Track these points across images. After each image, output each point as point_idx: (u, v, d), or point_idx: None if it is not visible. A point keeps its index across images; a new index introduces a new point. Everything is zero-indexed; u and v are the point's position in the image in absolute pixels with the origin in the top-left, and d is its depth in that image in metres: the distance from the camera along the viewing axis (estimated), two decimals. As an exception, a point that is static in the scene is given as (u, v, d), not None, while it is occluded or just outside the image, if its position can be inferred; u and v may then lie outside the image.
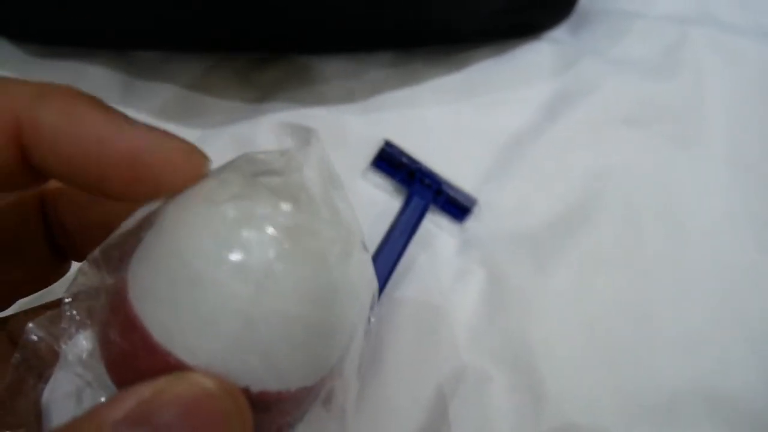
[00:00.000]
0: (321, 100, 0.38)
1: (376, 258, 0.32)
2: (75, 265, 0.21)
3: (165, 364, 0.14)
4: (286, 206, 0.15)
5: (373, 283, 0.17)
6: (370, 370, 0.31)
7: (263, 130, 0.36)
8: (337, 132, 0.37)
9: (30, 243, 0.20)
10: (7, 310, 0.20)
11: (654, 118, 0.39)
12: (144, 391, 0.13)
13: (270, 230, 0.14)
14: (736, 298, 0.34)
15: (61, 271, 0.21)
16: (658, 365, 0.32)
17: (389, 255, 0.32)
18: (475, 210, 0.34)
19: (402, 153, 0.34)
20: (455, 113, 0.38)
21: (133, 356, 0.14)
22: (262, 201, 0.15)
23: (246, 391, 0.14)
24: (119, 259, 0.16)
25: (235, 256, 0.14)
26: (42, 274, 0.21)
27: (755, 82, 0.40)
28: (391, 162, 0.34)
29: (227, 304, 0.14)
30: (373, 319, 0.17)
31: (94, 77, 0.38)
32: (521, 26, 0.40)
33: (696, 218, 0.36)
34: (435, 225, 0.35)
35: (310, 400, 0.16)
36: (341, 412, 0.17)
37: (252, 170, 0.16)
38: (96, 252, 0.16)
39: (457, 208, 0.34)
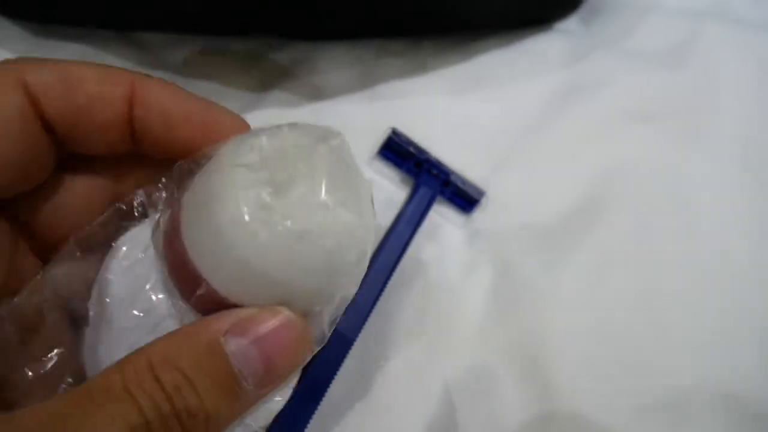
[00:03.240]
0: (328, 88, 0.37)
1: (382, 248, 0.31)
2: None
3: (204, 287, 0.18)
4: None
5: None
6: (374, 364, 0.30)
7: (268, 118, 0.35)
8: (343, 120, 0.36)
9: (99, 200, 0.22)
10: None
11: (666, 112, 0.38)
12: (243, 312, 0.18)
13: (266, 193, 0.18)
14: (748, 297, 0.33)
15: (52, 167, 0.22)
16: (669, 363, 0.31)
17: (395, 245, 0.31)
18: (483, 202, 0.34)
19: (409, 142, 0.34)
20: (464, 103, 0.37)
21: (181, 269, 0.18)
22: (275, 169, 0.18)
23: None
24: (178, 187, 0.20)
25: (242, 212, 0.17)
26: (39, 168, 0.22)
27: (768, 77, 0.40)
28: (398, 151, 0.34)
29: (234, 251, 0.17)
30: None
31: (98, 61, 0.37)
32: (532, 17, 0.39)
33: (708, 214, 0.35)
34: (441, 216, 0.34)
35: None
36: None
37: (278, 143, 0.19)
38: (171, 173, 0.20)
39: (465, 199, 0.34)
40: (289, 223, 0.17)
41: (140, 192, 0.21)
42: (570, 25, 0.41)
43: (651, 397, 0.30)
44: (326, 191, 0.18)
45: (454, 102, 0.37)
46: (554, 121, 0.37)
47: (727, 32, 0.41)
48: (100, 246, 0.21)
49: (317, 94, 0.37)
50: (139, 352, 0.17)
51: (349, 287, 0.19)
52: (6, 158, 0.18)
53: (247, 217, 0.17)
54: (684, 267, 0.33)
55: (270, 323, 0.17)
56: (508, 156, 0.36)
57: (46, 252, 0.21)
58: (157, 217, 0.20)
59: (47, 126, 0.19)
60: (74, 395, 0.16)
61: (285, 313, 0.18)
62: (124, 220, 0.21)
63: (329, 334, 0.20)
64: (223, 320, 0.17)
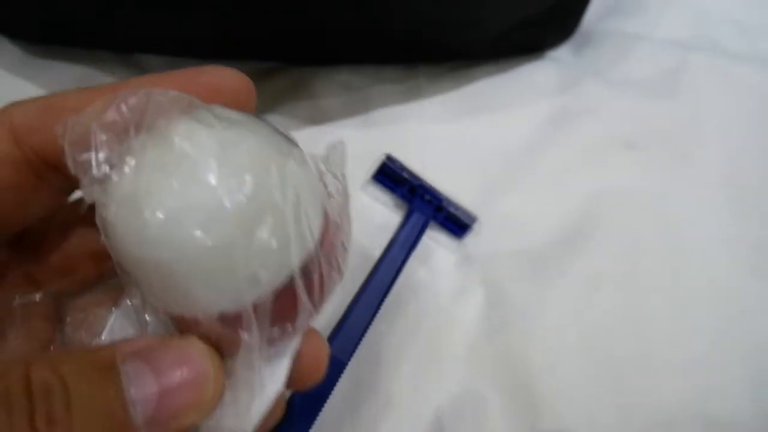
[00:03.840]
0: (323, 113, 0.38)
1: (376, 272, 0.32)
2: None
3: None
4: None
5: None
6: (367, 386, 0.30)
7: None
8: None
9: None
10: None
11: (653, 141, 0.39)
12: (153, 339, 0.16)
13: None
14: (732, 322, 0.34)
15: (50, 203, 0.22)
16: (655, 386, 0.32)
17: (388, 269, 0.32)
18: (475, 227, 0.34)
19: (403, 168, 0.34)
20: (458, 129, 0.38)
21: None
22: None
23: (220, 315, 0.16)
24: None
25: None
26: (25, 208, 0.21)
27: (753, 107, 0.41)
28: (392, 176, 0.34)
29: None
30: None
31: (95, 82, 0.37)
32: (525, 45, 0.40)
33: (693, 241, 0.36)
34: (434, 241, 0.35)
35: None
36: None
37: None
38: None
39: (457, 224, 0.34)
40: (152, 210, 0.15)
41: None
42: (561, 53, 0.42)
43: (637, 419, 0.31)
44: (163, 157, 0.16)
45: (448, 128, 0.38)
46: (545, 148, 0.38)
47: (713, 63, 0.42)
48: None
49: (314, 119, 0.37)
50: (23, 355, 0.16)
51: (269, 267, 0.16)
52: None
53: (110, 217, 0.16)
54: (670, 291, 0.34)
55: (172, 351, 0.16)
56: (499, 181, 0.37)
57: (52, 282, 0.21)
58: None
59: (38, 158, 0.18)
60: None
61: (190, 341, 0.16)
62: None
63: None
64: (131, 343, 0.16)
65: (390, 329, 0.32)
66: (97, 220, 0.16)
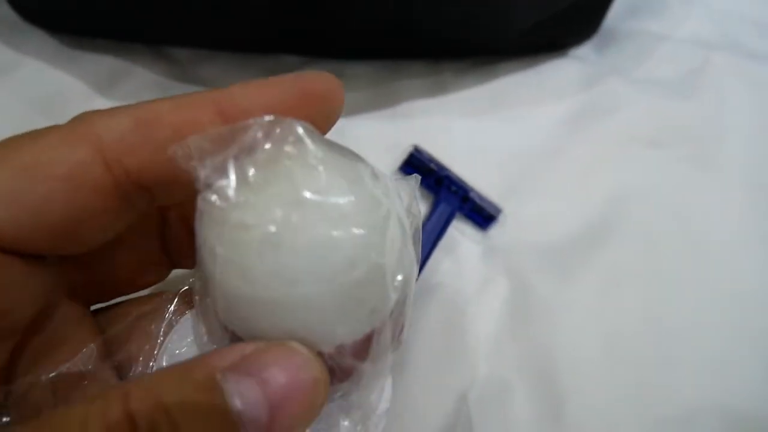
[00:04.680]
0: (350, 106, 0.38)
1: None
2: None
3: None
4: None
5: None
6: (395, 375, 0.31)
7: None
8: (365, 137, 0.37)
9: (146, 243, 0.21)
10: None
11: (675, 140, 0.39)
12: (247, 347, 0.15)
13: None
14: (753, 318, 0.34)
15: (162, 275, 0.22)
16: (676, 381, 0.32)
17: (415, 259, 0.32)
18: (500, 219, 0.35)
19: (431, 159, 0.35)
20: (482, 124, 0.39)
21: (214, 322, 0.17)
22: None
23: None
24: None
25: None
26: (149, 274, 0.22)
27: (775, 107, 0.41)
28: (419, 167, 0.35)
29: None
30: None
31: (129, 75, 0.38)
32: (549, 43, 0.41)
33: (714, 239, 0.36)
34: (459, 232, 0.35)
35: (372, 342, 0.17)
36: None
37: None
38: None
39: (483, 216, 0.35)
40: (261, 237, 0.15)
41: None
42: (584, 51, 0.42)
43: (658, 414, 0.31)
44: (295, 190, 0.15)
45: (472, 123, 0.39)
46: (568, 144, 0.38)
47: (734, 62, 0.42)
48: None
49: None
50: (119, 384, 0.15)
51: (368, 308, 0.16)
52: (50, 218, 0.16)
53: (215, 244, 0.15)
54: (691, 287, 0.34)
55: (276, 359, 0.15)
56: (523, 176, 0.37)
57: (89, 293, 0.21)
58: None
59: (133, 179, 0.17)
60: (44, 422, 0.14)
61: (298, 349, 0.15)
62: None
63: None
64: (224, 356, 0.14)
65: (415, 318, 0.32)
66: (203, 248, 0.16)
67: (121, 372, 0.19)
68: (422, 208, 0.35)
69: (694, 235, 0.36)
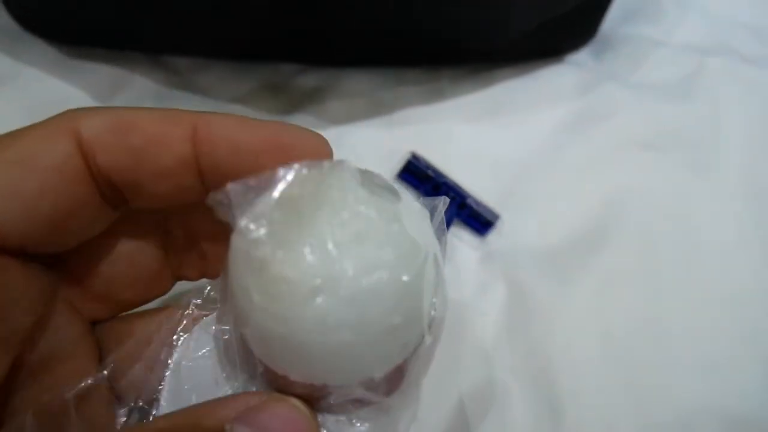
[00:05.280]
0: (347, 113, 0.39)
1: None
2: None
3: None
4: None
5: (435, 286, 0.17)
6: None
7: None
8: (362, 144, 0.37)
9: (148, 255, 0.21)
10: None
11: (671, 144, 0.39)
12: (251, 399, 0.16)
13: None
14: (751, 321, 0.34)
15: (165, 288, 0.22)
16: (674, 384, 0.32)
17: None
18: (498, 224, 0.35)
19: (428, 166, 0.35)
20: (478, 131, 0.39)
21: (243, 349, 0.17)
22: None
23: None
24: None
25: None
26: (152, 288, 0.22)
27: (770, 110, 0.41)
28: (416, 174, 0.35)
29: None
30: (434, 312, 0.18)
31: (128, 84, 0.38)
32: (546, 49, 0.41)
33: (711, 242, 0.36)
34: (457, 238, 0.35)
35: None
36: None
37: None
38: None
39: (480, 222, 0.35)
40: (294, 286, 0.15)
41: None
42: (581, 57, 0.43)
43: (656, 416, 0.31)
44: (335, 239, 0.15)
45: (470, 129, 0.39)
46: (565, 149, 0.39)
47: (730, 67, 0.42)
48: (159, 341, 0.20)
49: (339, 119, 0.38)
50: (139, 426, 0.16)
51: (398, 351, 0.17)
52: (43, 210, 0.17)
53: (252, 292, 0.15)
54: (688, 290, 0.35)
55: (278, 413, 0.16)
56: (521, 182, 0.37)
57: (91, 308, 0.21)
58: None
59: (103, 177, 0.18)
60: None
61: (293, 403, 0.17)
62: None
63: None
64: (230, 407, 0.16)
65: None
66: (238, 289, 0.16)
67: (122, 392, 0.19)
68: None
69: (691, 239, 0.36)
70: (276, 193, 0.15)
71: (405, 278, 0.16)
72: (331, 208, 0.16)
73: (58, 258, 0.19)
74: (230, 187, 0.15)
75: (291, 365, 0.16)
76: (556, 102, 0.40)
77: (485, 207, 0.35)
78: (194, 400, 0.18)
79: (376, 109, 0.39)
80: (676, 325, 0.34)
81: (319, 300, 0.15)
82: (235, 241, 0.16)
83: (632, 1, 0.45)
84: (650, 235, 0.36)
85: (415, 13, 0.34)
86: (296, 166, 0.16)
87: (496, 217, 0.35)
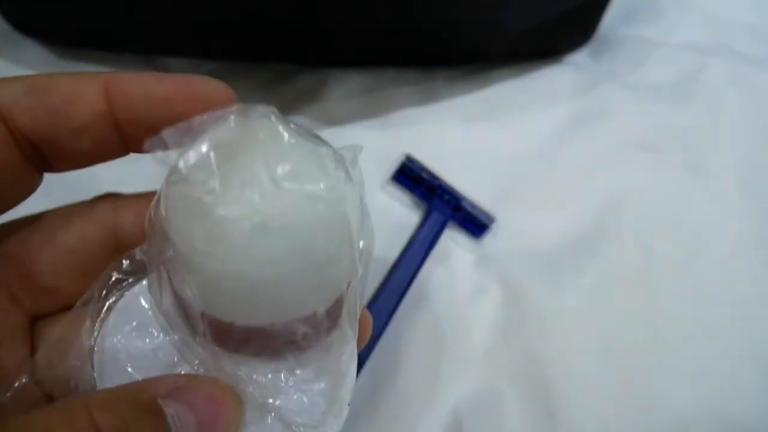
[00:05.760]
0: (342, 115, 0.38)
1: (395, 271, 0.32)
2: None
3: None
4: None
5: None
6: (385, 384, 0.31)
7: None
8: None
9: (94, 250, 0.21)
10: None
11: (669, 145, 0.39)
12: (180, 379, 0.17)
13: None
14: (748, 324, 0.34)
15: (31, 186, 0.21)
16: (670, 387, 0.32)
17: (407, 269, 0.32)
18: (493, 227, 0.35)
19: (422, 168, 0.35)
20: (474, 132, 0.38)
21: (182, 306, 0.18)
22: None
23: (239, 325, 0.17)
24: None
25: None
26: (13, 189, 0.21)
27: (769, 111, 0.41)
28: (411, 176, 0.35)
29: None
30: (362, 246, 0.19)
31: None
32: (542, 49, 0.41)
33: (708, 244, 0.36)
34: (452, 240, 0.35)
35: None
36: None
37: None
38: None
39: (475, 224, 0.34)
40: (236, 218, 0.15)
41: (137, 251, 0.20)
42: (579, 58, 0.42)
43: (652, 421, 0.31)
44: (273, 177, 0.16)
45: (465, 130, 0.38)
46: (562, 150, 0.38)
47: (729, 68, 0.42)
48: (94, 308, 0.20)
49: (333, 120, 0.38)
50: (74, 397, 0.16)
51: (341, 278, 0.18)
52: None
53: (194, 237, 0.16)
54: (686, 293, 0.34)
55: (203, 390, 0.17)
56: (516, 183, 0.37)
57: (35, 302, 0.21)
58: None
59: (24, 138, 0.18)
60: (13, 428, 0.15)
61: (220, 384, 0.18)
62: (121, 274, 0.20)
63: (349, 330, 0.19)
64: (161, 384, 0.17)
65: (408, 327, 0.32)
66: (178, 240, 0.16)
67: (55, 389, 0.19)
68: (414, 217, 0.35)
69: (688, 241, 0.36)
70: (210, 138, 0.16)
71: (334, 212, 0.16)
72: (264, 150, 0.16)
73: None
74: (165, 132, 0.16)
75: (235, 308, 0.17)
76: (553, 103, 0.40)
77: (480, 209, 0.35)
78: (132, 373, 0.19)
79: (371, 110, 0.39)
80: (673, 330, 0.33)
81: (262, 235, 0.15)
82: (173, 188, 0.16)
83: (631, 1, 0.44)
84: (647, 237, 0.36)
85: (410, 14, 0.34)
86: (225, 111, 0.16)
87: (491, 219, 0.35)
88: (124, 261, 0.20)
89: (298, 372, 0.19)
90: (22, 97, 0.18)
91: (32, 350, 0.20)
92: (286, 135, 0.17)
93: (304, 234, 0.16)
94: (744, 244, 0.36)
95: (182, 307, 0.18)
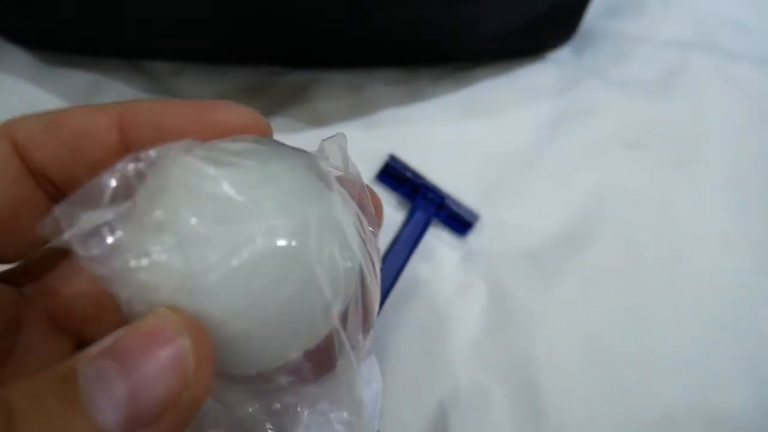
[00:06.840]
0: (325, 115, 0.39)
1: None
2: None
3: None
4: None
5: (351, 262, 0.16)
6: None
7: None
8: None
9: None
10: None
11: (653, 141, 0.39)
12: (122, 330, 0.14)
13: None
14: (733, 318, 0.34)
15: None
16: (656, 382, 0.32)
17: (392, 268, 0.32)
18: (477, 225, 0.35)
19: (406, 167, 0.35)
20: (458, 130, 0.39)
21: None
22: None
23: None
24: None
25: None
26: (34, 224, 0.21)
27: (754, 108, 0.41)
28: (395, 176, 0.35)
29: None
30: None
31: (107, 89, 0.38)
32: (526, 46, 0.41)
33: (693, 239, 0.36)
34: (437, 238, 0.35)
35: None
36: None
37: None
38: None
39: (460, 222, 0.35)
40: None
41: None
42: (562, 55, 0.42)
43: (638, 415, 0.31)
44: (190, 229, 0.14)
45: (450, 129, 0.39)
46: (547, 148, 0.38)
47: (713, 63, 0.42)
48: None
49: (317, 120, 0.38)
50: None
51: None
52: None
53: (124, 304, 0.14)
54: (671, 289, 0.35)
55: (141, 339, 0.13)
56: (501, 180, 0.37)
57: (81, 327, 0.20)
58: None
59: (42, 174, 0.18)
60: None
61: (164, 321, 0.14)
62: None
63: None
64: (98, 345, 0.14)
65: (393, 326, 0.32)
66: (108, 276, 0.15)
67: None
68: (399, 216, 0.35)
69: (673, 237, 0.36)
70: (108, 199, 0.15)
71: (281, 243, 0.14)
72: (176, 201, 0.14)
73: (29, 274, 0.19)
74: (57, 209, 0.14)
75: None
76: (537, 100, 0.40)
77: (464, 207, 0.35)
78: None
79: (356, 110, 0.39)
80: (659, 325, 0.34)
81: (187, 299, 0.14)
82: (95, 263, 0.14)
83: (614, -4, 0.45)
84: (633, 234, 0.36)
85: (389, 13, 0.34)
86: (121, 165, 0.15)
87: (475, 217, 0.35)
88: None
89: (316, 404, 0.17)
90: (38, 134, 0.18)
91: None
92: (204, 173, 0.15)
93: (237, 286, 0.14)
94: (729, 239, 0.36)
95: None
